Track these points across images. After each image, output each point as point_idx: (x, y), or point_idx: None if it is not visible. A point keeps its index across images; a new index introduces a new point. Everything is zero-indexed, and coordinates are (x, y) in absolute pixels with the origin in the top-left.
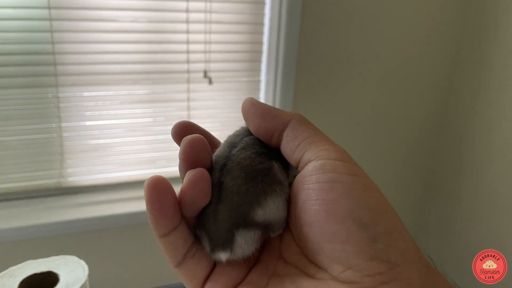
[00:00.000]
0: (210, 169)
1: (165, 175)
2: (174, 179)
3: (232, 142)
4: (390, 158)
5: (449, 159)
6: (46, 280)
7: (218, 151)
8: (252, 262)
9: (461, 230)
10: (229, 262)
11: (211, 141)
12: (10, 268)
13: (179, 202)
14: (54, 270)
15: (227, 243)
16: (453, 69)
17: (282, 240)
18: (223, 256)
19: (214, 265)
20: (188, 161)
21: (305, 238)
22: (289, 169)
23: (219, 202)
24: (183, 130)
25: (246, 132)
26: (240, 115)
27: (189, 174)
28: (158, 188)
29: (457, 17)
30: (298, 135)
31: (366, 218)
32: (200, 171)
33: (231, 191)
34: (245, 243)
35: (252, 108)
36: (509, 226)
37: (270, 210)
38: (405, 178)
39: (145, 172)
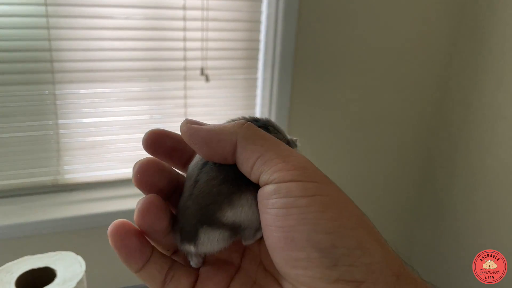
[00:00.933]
0: (174, 186)
1: None
2: None
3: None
4: (388, 154)
5: (446, 157)
6: (43, 275)
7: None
8: (233, 270)
9: (461, 230)
10: (208, 273)
11: (186, 148)
12: (7, 264)
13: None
14: (51, 266)
15: (192, 237)
16: (448, 69)
17: (261, 247)
18: (188, 248)
19: (196, 279)
20: (141, 187)
21: (272, 260)
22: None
23: (190, 198)
24: (154, 141)
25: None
26: (237, 112)
27: (138, 204)
28: (120, 234)
29: (452, 18)
30: (248, 157)
31: (324, 242)
32: (147, 199)
33: (203, 190)
34: (208, 241)
35: (192, 139)
36: (509, 226)
37: (240, 212)
38: (401, 176)
39: None
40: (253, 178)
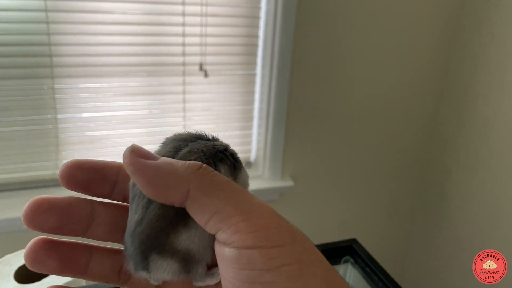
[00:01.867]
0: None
1: None
2: None
3: (177, 147)
4: (387, 153)
5: (445, 156)
6: None
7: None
8: None
9: (461, 230)
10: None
11: (112, 171)
12: (6, 256)
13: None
14: None
15: (144, 265)
16: (445, 72)
17: None
18: (144, 275)
19: None
20: (31, 226)
21: None
22: (238, 172)
23: (141, 223)
24: (68, 175)
25: (191, 136)
26: (235, 108)
27: (26, 247)
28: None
29: (450, 23)
30: (203, 212)
31: None
32: (32, 245)
33: (157, 213)
34: (158, 270)
35: (135, 176)
36: (509, 226)
37: (194, 236)
38: (401, 178)
39: None
40: (208, 230)
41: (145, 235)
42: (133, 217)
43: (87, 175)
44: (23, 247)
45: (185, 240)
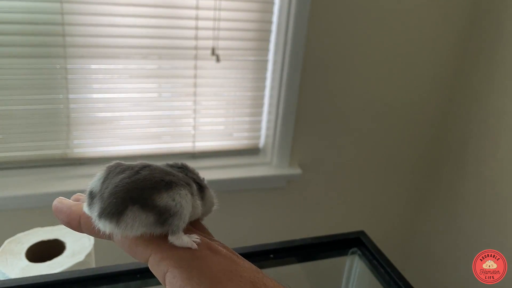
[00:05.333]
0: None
1: (168, 151)
2: (177, 154)
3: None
4: (398, 146)
5: (452, 158)
6: (52, 247)
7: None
8: None
9: (461, 230)
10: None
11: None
12: (18, 235)
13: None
14: (61, 238)
15: (114, 216)
16: (460, 66)
17: None
18: (107, 226)
19: None
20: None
21: None
22: (204, 196)
23: (125, 181)
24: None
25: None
26: (246, 94)
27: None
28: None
29: (464, 17)
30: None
31: None
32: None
33: (146, 177)
34: (133, 221)
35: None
36: (509, 226)
37: (174, 194)
38: (410, 172)
39: (150, 147)
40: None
41: (132, 188)
42: (117, 177)
43: None
44: (34, 225)
45: (165, 198)
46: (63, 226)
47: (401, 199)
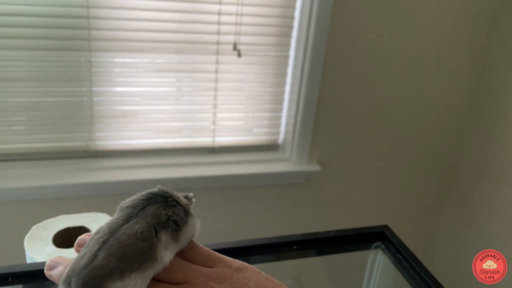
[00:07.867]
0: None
1: (188, 145)
2: (197, 149)
3: (128, 215)
4: (419, 145)
5: (477, 154)
6: (78, 234)
7: (106, 224)
8: None
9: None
10: None
11: None
12: (45, 221)
13: None
14: (86, 225)
15: None
16: (482, 68)
17: None
18: None
19: None
20: None
21: None
22: (179, 234)
23: (86, 268)
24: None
25: (143, 202)
26: (266, 89)
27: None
28: None
29: (485, 21)
30: None
31: None
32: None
33: (100, 261)
34: None
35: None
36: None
37: (129, 286)
38: (430, 171)
39: (171, 141)
40: None
41: (88, 278)
42: (80, 261)
43: None
44: (60, 213)
45: (119, 285)
46: (88, 214)
47: (420, 197)
